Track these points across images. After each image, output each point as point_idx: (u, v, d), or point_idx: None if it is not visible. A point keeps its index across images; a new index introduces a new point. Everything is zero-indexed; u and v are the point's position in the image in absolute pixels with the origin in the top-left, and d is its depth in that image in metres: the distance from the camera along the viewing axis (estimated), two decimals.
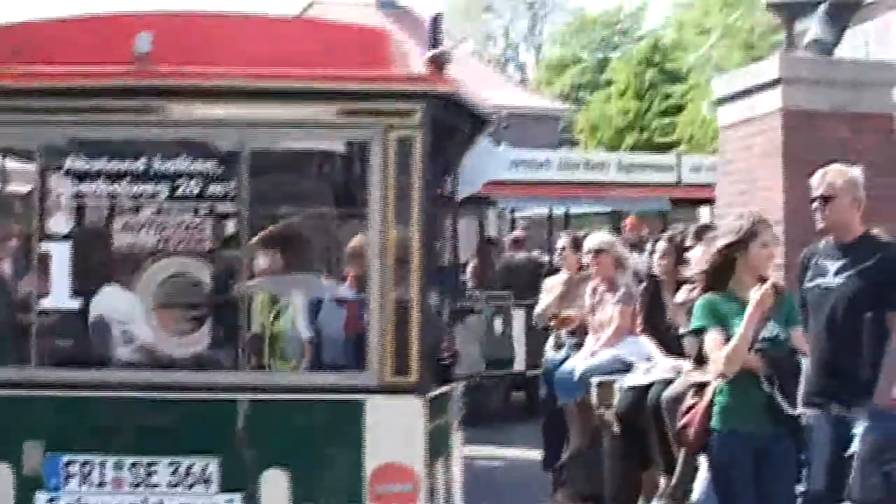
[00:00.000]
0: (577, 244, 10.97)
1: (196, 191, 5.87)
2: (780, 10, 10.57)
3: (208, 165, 5.87)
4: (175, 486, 5.48)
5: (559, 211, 20.03)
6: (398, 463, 5.41)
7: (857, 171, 6.88)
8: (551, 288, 11.33)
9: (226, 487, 5.49)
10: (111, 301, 6.06)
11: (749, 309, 6.08)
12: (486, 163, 7.82)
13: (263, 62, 5.75)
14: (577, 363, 9.94)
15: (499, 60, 69.29)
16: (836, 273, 6.48)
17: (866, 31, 29.84)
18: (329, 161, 7.03)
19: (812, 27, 10.09)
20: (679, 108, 40.53)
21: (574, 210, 20.00)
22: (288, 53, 5.83)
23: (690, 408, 6.42)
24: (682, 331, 7.89)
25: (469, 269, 16.72)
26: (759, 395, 6.16)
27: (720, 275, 6.38)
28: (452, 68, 5.96)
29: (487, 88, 46.14)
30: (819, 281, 6.54)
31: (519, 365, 14.90)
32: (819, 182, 6.64)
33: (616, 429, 9.14)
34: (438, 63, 5.68)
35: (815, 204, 6.58)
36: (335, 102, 5.68)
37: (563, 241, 11.42)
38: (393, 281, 5.53)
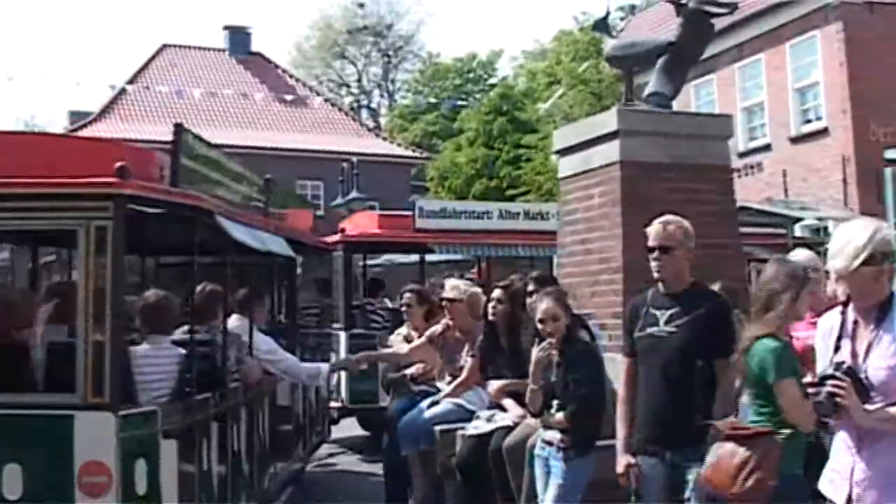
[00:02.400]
0: (421, 298, 11.02)
1: None
2: (620, 62, 10.72)
3: None
4: None
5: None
6: (97, 460, 7.07)
7: (688, 224, 6.99)
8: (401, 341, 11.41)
9: None
10: None
11: None
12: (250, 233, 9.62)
13: (14, 170, 7.37)
14: (421, 413, 9.94)
15: (352, 107, 69.40)
16: (668, 322, 6.59)
17: (710, 82, 30.60)
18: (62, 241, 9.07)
19: (651, 80, 10.26)
20: (529, 157, 40.90)
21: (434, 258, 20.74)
22: (31, 162, 7.58)
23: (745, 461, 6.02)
24: (532, 385, 7.87)
25: None
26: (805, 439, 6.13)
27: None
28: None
29: (340, 135, 46.30)
30: (651, 329, 6.64)
31: None
32: (659, 233, 6.74)
33: (458, 477, 9.15)
34: (123, 172, 7.20)
35: (654, 254, 6.68)
36: (55, 200, 7.44)
37: (408, 296, 11.42)
38: (93, 330, 7.18)
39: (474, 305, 10.17)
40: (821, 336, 5.34)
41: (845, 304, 5.15)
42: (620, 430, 6.76)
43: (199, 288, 9.98)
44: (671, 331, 6.55)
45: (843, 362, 4.94)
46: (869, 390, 4.82)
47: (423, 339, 10.66)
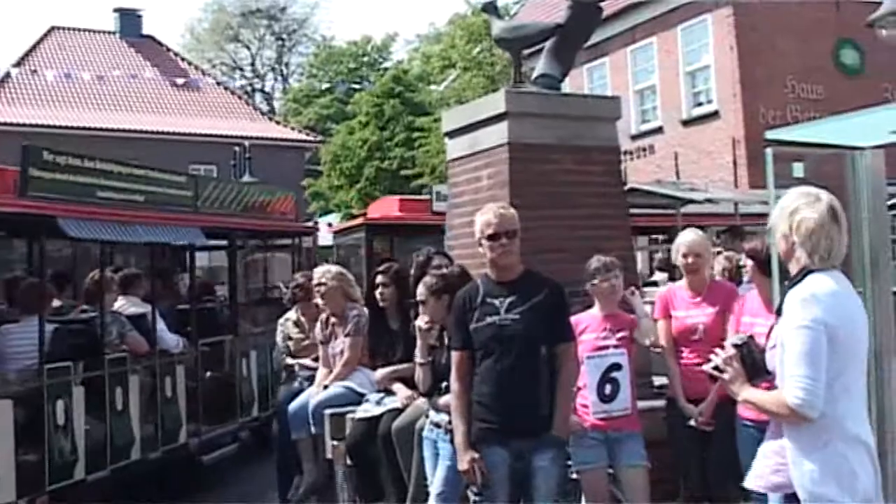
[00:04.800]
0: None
1: None
2: (508, 44, 10.68)
3: None
4: None
5: None
6: None
7: None
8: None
9: None
10: None
11: None
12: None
13: None
14: (310, 397, 9.89)
15: (245, 90, 68.84)
16: (508, 310, 6.54)
17: (603, 65, 30.81)
18: None
19: (539, 62, 10.26)
20: (422, 140, 40.84)
21: None
22: None
23: None
24: (420, 360, 7.84)
25: None
26: None
27: None
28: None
29: (233, 118, 45.88)
30: (491, 319, 6.55)
31: None
32: (504, 217, 6.66)
33: (348, 461, 9.11)
34: None
35: (501, 240, 6.57)
36: None
37: (301, 281, 11.45)
38: None
39: (346, 287, 10.19)
40: None
41: None
42: (459, 425, 6.64)
43: (90, 275, 12.36)
44: (514, 318, 6.52)
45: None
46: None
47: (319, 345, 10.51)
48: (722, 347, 4.84)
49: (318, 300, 10.23)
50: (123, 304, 12.87)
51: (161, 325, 12.92)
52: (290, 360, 11.14)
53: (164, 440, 12.58)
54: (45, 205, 10.69)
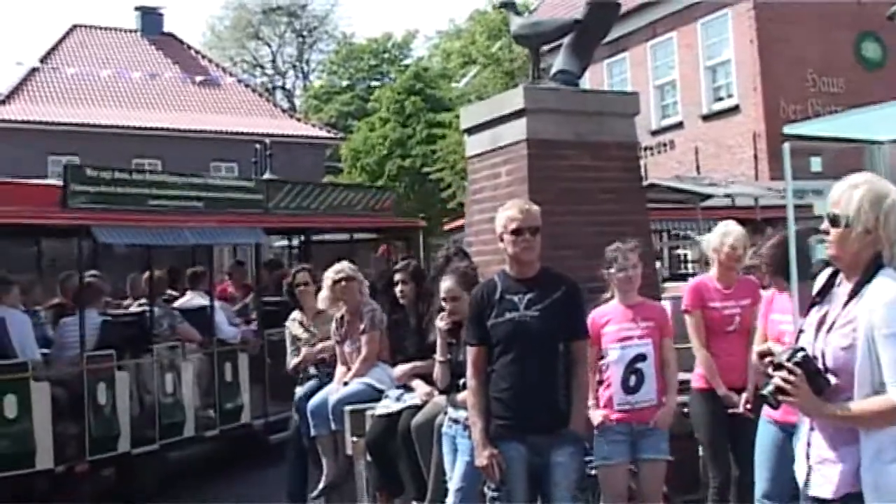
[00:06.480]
0: (315, 278, 10.99)
1: None
2: (527, 41, 10.69)
3: None
4: None
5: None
6: None
7: None
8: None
9: None
10: None
11: None
12: None
13: None
14: (330, 394, 9.90)
15: (266, 88, 68.86)
16: (528, 306, 6.54)
17: (623, 61, 30.74)
18: None
19: (558, 58, 10.26)
20: (444, 136, 40.80)
21: None
22: None
23: None
24: (440, 358, 7.86)
25: None
26: None
27: None
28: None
29: (254, 116, 45.92)
30: (511, 315, 6.55)
31: None
32: (530, 213, 6.67)
33: (367, 457, 9.13)
34: None
35: (525, 235, 6.57)
36: None
37: (302, 276, 11.35)
38: None
39: (362, 284, 10.21)
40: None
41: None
42: (477, 421, 6.63)
43: (146, 275, 14.39)
44: (533, 315, 6.52)
45: (799, 349, 4.28)
46: (824, 377, 4.21)
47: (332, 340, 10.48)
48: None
49: (324, 297, 10.21)
50: (190, 298, 15.11)
51: (220, 317, 14.68)
52: (295, 360, 11.03)
53: (222, 420, 14.30)
54: (81, 215, 12.62)
